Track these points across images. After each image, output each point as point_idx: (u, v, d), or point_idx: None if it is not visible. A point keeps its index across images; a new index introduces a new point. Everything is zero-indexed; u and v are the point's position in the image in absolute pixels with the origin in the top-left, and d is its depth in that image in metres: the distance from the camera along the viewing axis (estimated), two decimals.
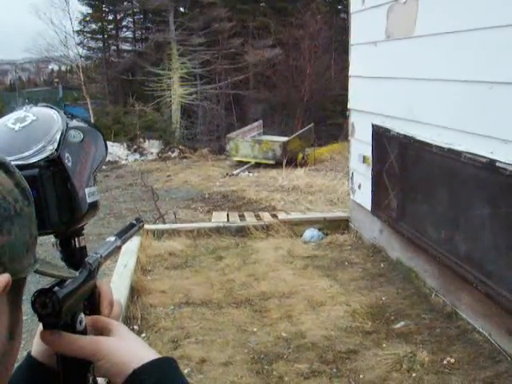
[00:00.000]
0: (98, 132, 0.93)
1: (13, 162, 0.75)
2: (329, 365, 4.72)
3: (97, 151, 0.91)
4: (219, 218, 9.79)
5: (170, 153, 23.73)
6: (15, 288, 0.67)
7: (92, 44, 34.37)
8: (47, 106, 0.88)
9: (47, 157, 0.79)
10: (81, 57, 32.16)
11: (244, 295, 6.21)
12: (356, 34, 7.81)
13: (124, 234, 1.07)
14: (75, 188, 0.83)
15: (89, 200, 0.86)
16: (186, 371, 4.62)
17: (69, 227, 0.85)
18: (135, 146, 24.00)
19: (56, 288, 0.80)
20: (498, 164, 4.44)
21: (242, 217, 9.86)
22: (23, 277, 0.69)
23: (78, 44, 32.23)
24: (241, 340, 5.21)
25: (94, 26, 34.09)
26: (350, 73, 8.03)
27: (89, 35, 33.88)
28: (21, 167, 0.76)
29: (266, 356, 4.91)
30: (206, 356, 4.90)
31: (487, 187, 4.85)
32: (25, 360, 0.93)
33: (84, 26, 33.60)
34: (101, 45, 34.28)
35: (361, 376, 4.53)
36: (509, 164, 4.31)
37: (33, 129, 0.82)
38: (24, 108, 0.86)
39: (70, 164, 0.82)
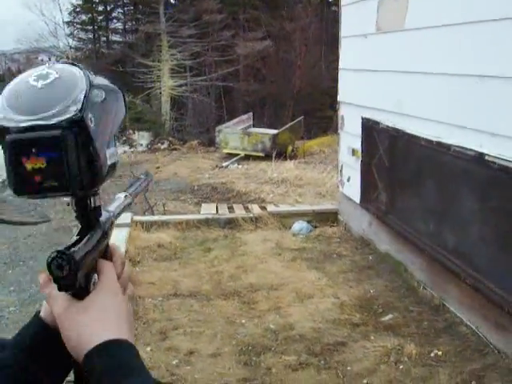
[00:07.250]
0: (118, 91, 0.91)
1: (35, 122, 0.74)
2: (317, 357, 4.73)
3: (117, 111, 0.89)
4: (208, 210, 9.77)
5: (159, 144, 23.68)
6: None
7: (82, 35, 34.23)
8: (70, 63, 0.85)
9: (70, 117, 0.77)
10: (71, 48, 32.03)
11: (232, 287, 6.21)
12: (346, 27, 7.80)
13: (133, 189, 1.04)
14: (97, 150, 0.80)
15: (109, 162, 0.84)
16: (173, 362, 4.64)
17: (89, 189, 0.82)
18: (124, 138, 23.90)
19: (72, 249, 0.78)
20: (486, 157, 4.45)
21: (230, 209, 9.85)
22: None
23: (68, 35, 32.13)
24: (229, 332, 5.21)
25: (84, 17, 33.93)
26: (340, 65, 8.02)
27: (79, 26, 33.75)
28: (43, 127, 0.74)
29: (253, 348, 4.91)
30: (194, 347, 4.90)
31: (476, 180, 4.86)
32: (32, 320, 0.92)
33: (74, 17, 33.46)
34: (91, 36, 34.14)
35: (348, 368, 4.54)
36: (497, 157, 4.33)
37: (56, 87, 0.79)
38: (47, 64, 0.83)
39: (92, 125, 0.79)
